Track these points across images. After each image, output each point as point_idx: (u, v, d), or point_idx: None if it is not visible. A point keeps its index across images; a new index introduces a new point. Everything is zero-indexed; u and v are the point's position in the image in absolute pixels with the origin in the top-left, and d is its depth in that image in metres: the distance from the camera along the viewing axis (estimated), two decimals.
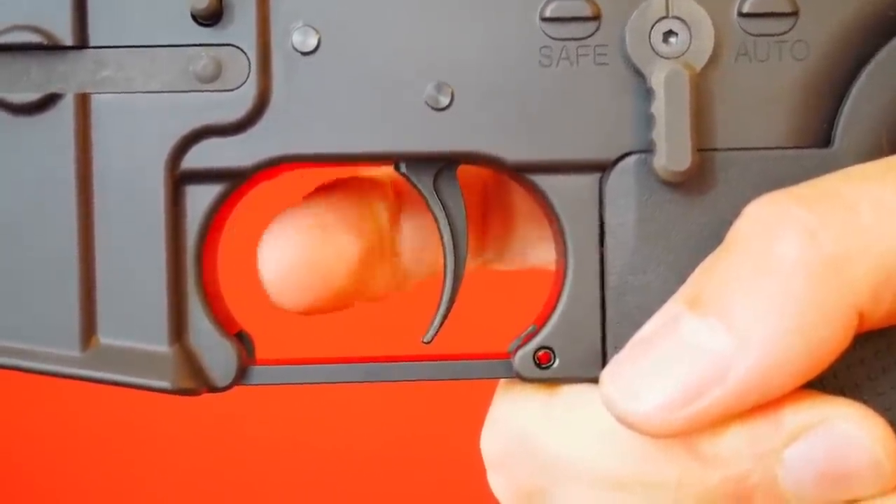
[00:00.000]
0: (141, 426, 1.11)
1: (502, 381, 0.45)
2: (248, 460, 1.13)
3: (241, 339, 0.45)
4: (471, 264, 0.49)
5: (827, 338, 0.38)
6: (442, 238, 0.45)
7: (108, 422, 1.12)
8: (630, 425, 0.39)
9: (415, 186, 0.44)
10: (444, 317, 0.45)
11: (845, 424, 0.38)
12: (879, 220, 0.38)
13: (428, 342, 0.45)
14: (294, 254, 0.45)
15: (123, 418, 1.10)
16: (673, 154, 0.41)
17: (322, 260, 0.45)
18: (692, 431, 0.39)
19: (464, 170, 0.44)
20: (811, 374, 0.38)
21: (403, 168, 0.44)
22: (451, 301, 0.45)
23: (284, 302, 0.46)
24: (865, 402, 0.39)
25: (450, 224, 0.45)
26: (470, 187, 0.49)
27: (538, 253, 0.48)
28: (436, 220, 0.45)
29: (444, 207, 0.44)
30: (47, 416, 1.13)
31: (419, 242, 0.48)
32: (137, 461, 1.14)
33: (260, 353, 0.45)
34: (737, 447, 0.39)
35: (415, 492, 1.12)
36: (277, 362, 0.44)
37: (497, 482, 0.44)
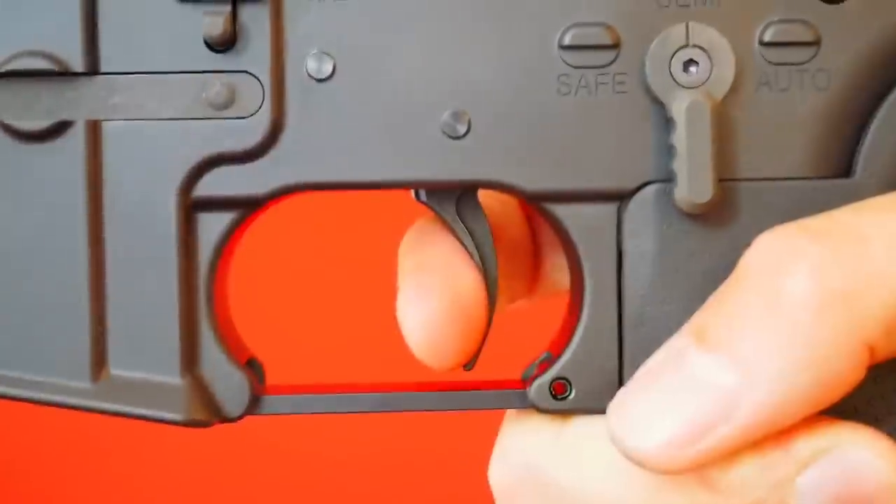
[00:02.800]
0: (144, 433, 1.10)
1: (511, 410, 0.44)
2: (252, 469, 1.13)
3: (252, 367, 0.44)
4: (525, 302, 0.49)
5: (836, 373, 0.37)
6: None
7: (112, 430, 1.11)
8: (636, 462, 0.38)
9: (437, 214, 0.44)
10: (483, 342, 0.45)
11: (857, 450, 0.38)
12: (891, 255, 0.37)
13: (469, 369, 0.45)
14: (434, 309, 0.44)
15: (126, 424, 1.09)
16: (694, 185, 0.40)
17: (462, 300, 0.44)
18: (699, 468, 0.38)
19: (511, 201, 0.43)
20: (820, 408, 0.38)
21: (424, 196, 0.43)
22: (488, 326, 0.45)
23: (442, 359, 0.45)
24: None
25: (477, 248, 0.44)
26: (519, 219, 0.49)
27: (563, 279, 0.48)
28: (463, 245, 0.44)
29: (470, 232, 0.44)
30: (50, 425, 1.12)
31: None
32: (140, 466, 1.14)
33: (270, 379, 0.45)
34: (749, 476, 0.38)
35: None
36: (288, 390, 0.43)
37: None
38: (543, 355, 0.44)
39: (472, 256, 0.44)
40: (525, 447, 0.43)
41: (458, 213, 0.44)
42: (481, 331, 0.45)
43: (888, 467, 0.38)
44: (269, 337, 0.48)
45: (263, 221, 0.45)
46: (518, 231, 0.49)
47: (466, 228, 0.44)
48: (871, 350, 0.37)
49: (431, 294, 0.44)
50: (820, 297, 0.37)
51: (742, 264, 0.39)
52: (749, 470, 0.38)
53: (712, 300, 0.39)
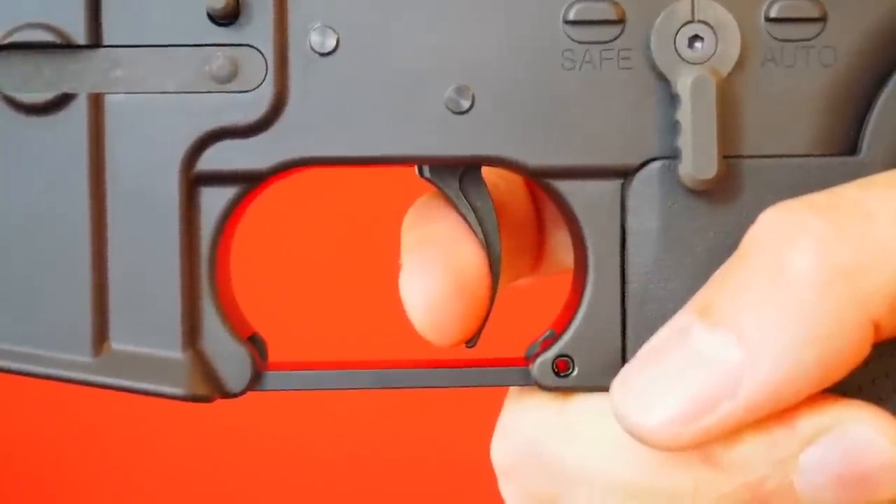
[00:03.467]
0: (144, 422, 1.10)
1: (514, 387, 0.44)
2: (251, 458, 1.13)
3: (254, 343, 0.44)
4: (529, 280, 0.49)
5: (840, 350, 0.37)
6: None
7: (112, 417, 1.11)
8: (640, 439, 0.38)
9: (440, 190, 0.44)
10: (486, 319, 0.44)
11: (860, 427, 0.38)
12: None
13: (472, 346, 0.44)
14: (436, 285, 0.44)
15: (127, 414, 1.09)
16: (699, 162, 0.40)
17: (464, 276, 0.44)
18: (703, 444, 0.38)
19: (515, 177, 0.43)
20: (824, 385, 0.38)
21: (427, 172, 0.43)
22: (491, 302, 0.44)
23: (444, 335, 0.44)
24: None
25: (480, 225, 0.44)
26: (524, 195, 0.49)
27: (568, 257, 0.48)
28: (467, 222, 0.44)
29: (473, 209, 0.44)
30: (51, 415, 1.12)
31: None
32: (139, 458, 1.14)
33: (273, 354, 0.45)
34: (752, 454, 0.38)
35: (422, 493, 1.12)
36: (290, 366, 0.43)
37: (508, 490, 0.44)
38: (547, 333, 0.44)
39: (475, 233, 0.44)
40: (527, 424, 0.43)
41: (462, 190, 0.43)
42: (484, 307, 0.44)
43: (891, 446, 0.38)
44: (273, 313, 0.48)
45: (269, 198, 0.45)
46: (523, 208, 0.49)
47: (470, 205, 0.44)
48: (877, 326, 0.37)
49: (434, 269, 0.44)
50: (824, 273, 0.37)
51: (746, 240, 0.39)
52: (752, 447, 0.38)
53: (717, 276, 0.39)
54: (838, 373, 0.38)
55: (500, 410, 0.44)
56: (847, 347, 0.37)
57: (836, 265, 0.37)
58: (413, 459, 1.12)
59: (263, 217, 0.50)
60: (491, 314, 0.45)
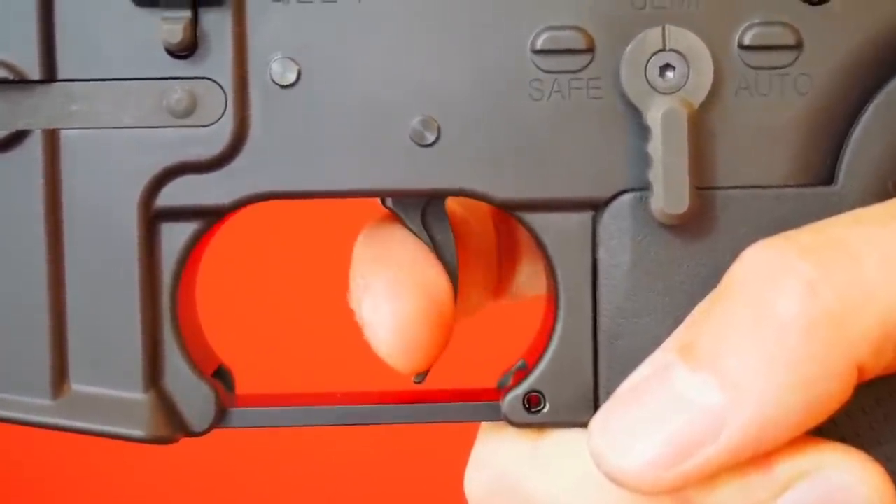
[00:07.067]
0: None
1: None
2: (239, 469, 1.12)
3: (221, 376, 0.43)
4: (493, 304, 0.48)
5: (825, 393, 0.36)
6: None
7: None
8: (619, 482, 0.37)
9: (401, 221, 0.42)
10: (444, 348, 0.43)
11: (839, 473, 0.37)
12: (883, 273, 0.36)
13: (419, 382, 0.43)
14: (407, 307, 0.42)
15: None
16: (670, 196, 0.39)
17: (434, 296, 0.42)
18: (683, 488, 0.37)
19: (476, 206, 0.42)
20: (807, 428, 0.37)
21: (390, 203, 0.42)
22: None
23: (412, 360, 0.42)
24: (866, 451, 0.38)
25: (440, 259, 0.43)
26: (483, 225, 0.47)
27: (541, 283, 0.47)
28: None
29: (434, 241, 0.43)
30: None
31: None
32: (129, 464, 1.13)
33: (242, 383, 0.44)
34: (727, 497, 0.37)
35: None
36: (256, 401, 0.42)
37: None
38: (519, 363, 0.43)
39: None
40: (500, 457, 0.42)
41: (424, 222, 0.43)
42: (450, 332, 0.43)
43: (870, 493, 0.37)
44: (243, 341, 0.47)
45: (239, 225, 0.44)
46: (479, 241, 0.47)
47: (430, 237, 0.43)
48: (861, 370, 0.36)
49: (405, 291, 0.42)
50: (810, 317, 0.36)
51: (729, 279, 0.38)
52: (727, 491, 0.37)
53: (698, 314, 0.38)
54: (822, 417, 0.37)
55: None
56: (832, 392, 0.36)
57: (822, 309, 0.36)
58: (391, 483, 1.12)
59: (236, 242, 0.49)
60: (465, 340, 0.44)
